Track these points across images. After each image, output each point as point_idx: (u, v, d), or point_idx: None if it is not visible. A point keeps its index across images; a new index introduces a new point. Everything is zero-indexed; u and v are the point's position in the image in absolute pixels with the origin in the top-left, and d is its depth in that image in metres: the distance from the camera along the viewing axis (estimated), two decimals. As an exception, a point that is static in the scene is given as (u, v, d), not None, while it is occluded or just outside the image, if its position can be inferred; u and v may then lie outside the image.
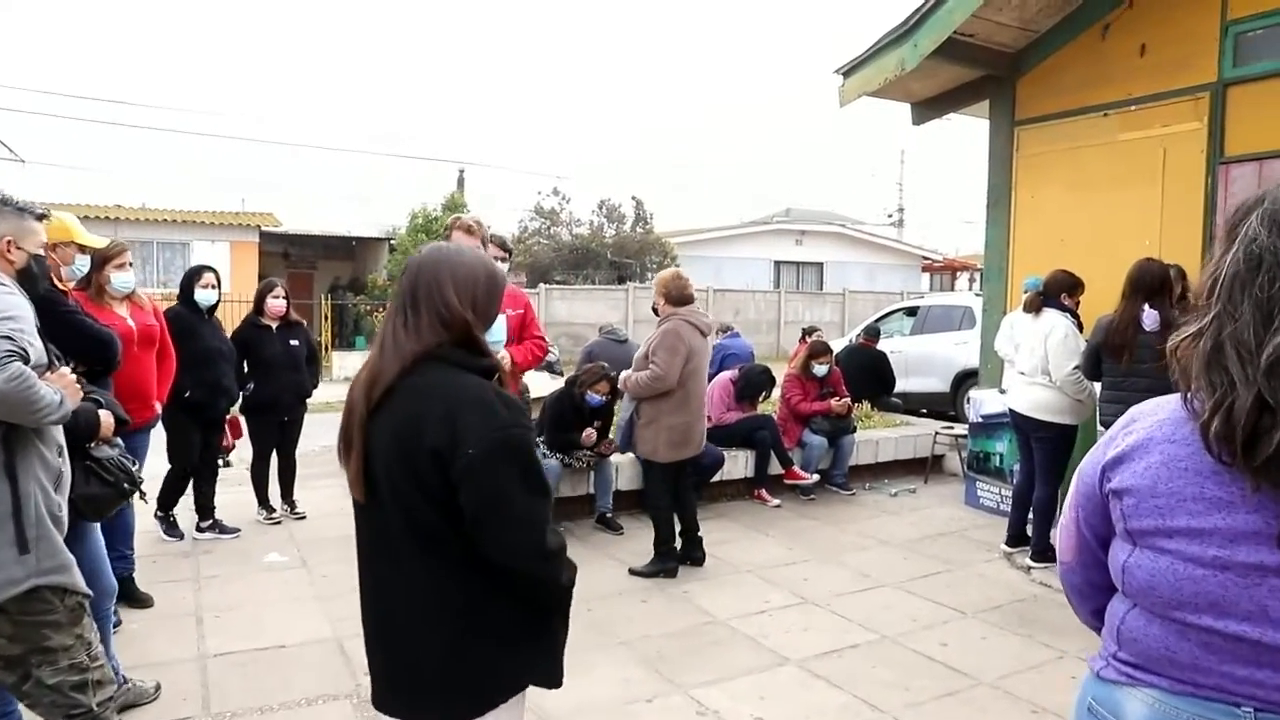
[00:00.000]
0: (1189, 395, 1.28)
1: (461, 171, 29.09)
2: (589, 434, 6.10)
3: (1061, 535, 1.54)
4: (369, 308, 21.87)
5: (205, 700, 3.65)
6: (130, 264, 4.40)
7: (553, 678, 1.98)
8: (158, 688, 3.69)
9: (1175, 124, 6.41)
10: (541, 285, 22.74)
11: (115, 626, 4.31)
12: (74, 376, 2.62)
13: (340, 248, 25.61)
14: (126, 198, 23.37)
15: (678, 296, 5.18)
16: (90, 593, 2.71)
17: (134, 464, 3.41)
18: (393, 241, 23.54)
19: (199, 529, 5.91)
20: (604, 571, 5.37)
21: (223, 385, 5.52)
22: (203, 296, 5.53)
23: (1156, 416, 1.35)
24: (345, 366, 18.58)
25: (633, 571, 5.27)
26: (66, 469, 2.72)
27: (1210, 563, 1.23)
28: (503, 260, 4.77)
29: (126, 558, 4.71)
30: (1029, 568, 5.34)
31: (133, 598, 4.68)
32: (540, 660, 1.96)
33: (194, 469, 5.70)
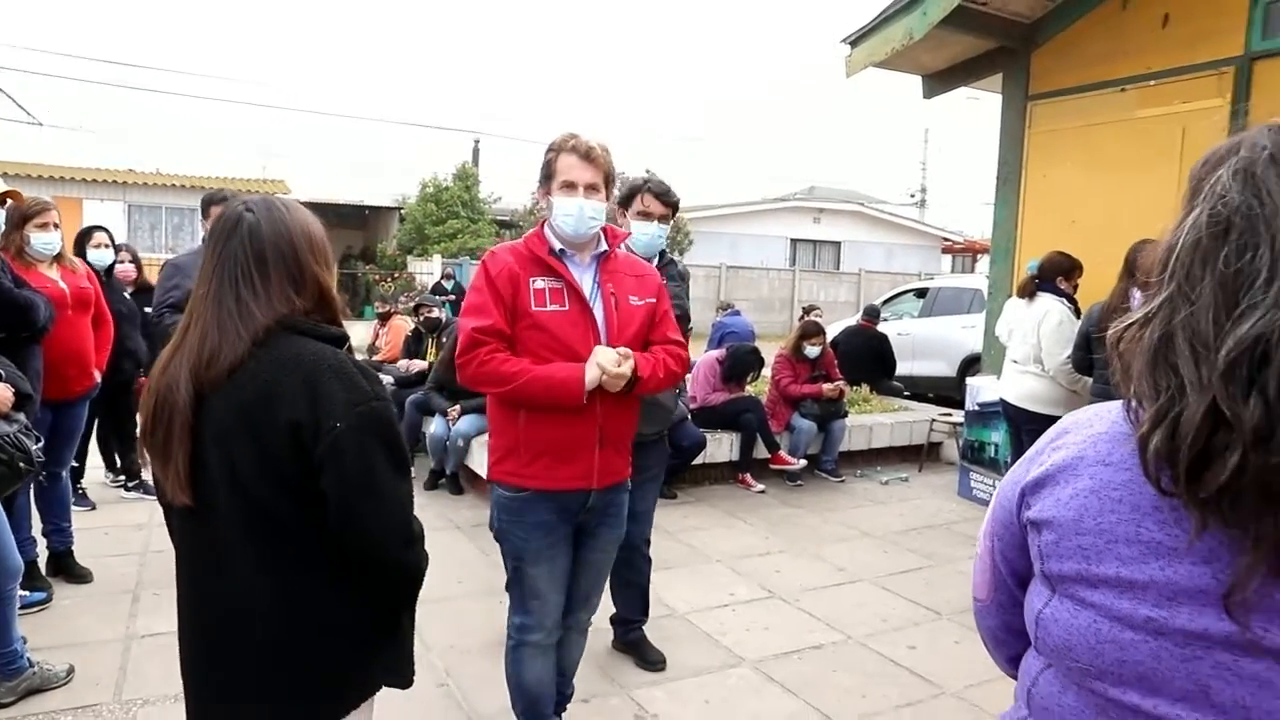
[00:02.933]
0: (1130, 401, 0.99)
1: (477, 141, 28.79)
2: None
3: (976, 568, 1.25)
4: (378, 276, 21.76)
5: (119, 685, 3.44)
6: (56, 224, 4.12)
7: (405, 676, 1.82)
8: (70, 671, 3.48)
9: (1197, 100, 6.04)
10: (551, 258, 22.45)
11: (44, 603, 4.14)
12: None
13: (353, 216, 25.42)
14: (142, 163, 23.24)
15: None
16: None
17: (36, 440, 3.18)
18: (402, 211, 23.32)
19: (126, 488, 5.99)
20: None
21: (125, 347, 5.27)
22: (96, 257, 5.34)
23: (1092, 430, 1.05)
24: (354, 334, 18.47)
25: None
26: None
27: (1142, 625, 0.93)
28: (664, 218, 3.56)
29: (64, 531, 4.53)
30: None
31: (70, 573, 4.50)
32: (392, 659, 1.79)
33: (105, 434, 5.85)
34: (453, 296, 15.29)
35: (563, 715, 3.04)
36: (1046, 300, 4.90)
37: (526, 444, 2.55)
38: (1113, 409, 1.05)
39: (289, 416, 1.56)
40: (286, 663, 1.67)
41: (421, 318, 8.14)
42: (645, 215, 3.49)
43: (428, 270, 20.68)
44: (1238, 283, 0.89)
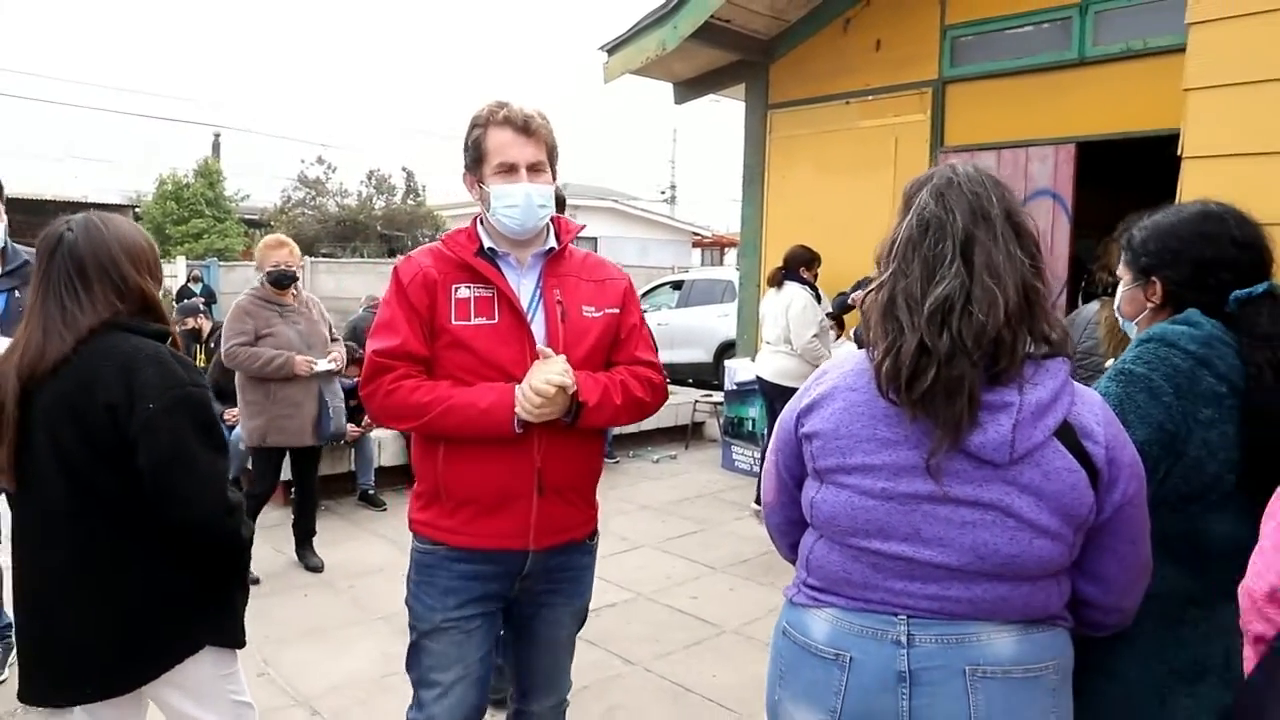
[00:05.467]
0: (870, 345, 1.44)
1: (217, 135, 27.14)
2: (352, 431, 5.85)
3: (764, 479, 1.68)
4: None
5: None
6: None
7: (234, 638, 2.03)
8: None
9: (905, 115, 7.02)
10: (307, 258, 21.58)
11: None
12: None
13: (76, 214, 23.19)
14: None
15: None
16: None
17: None
18: (138, 209, 21.63)
19: None
20: (368, 547, 5.26)
21: None
22: None
23: (843, 368, 1.51)
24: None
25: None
26: None
27: (879, 494, 1.39)
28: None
29: None
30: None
31: None
32: (220, 621, 2.00)
33: None
34: (202, 300, 14.45)
35: None
36: (792, 288, 5.62)
37: (447, 489, 2.03)
38: (857, 355, 1.51)
39: (106, 399, 1.80)
40: (110, 631, 1.87)
41: (179, 330, 7.81)
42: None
43: (170, 274, 19.29)
44: (934, 263, 1.37)
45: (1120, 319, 1.85)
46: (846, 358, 1.54)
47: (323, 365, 4.72)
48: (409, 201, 25.77)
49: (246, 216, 23.20)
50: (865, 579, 1.43)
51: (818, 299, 5.68)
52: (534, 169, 2.04)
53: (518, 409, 1.91)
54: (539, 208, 2.04)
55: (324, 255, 23.04)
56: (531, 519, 2.02)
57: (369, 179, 25.80)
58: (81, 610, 1.86)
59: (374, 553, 5.15)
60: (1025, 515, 1.33)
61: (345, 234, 24.49)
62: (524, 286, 2.08)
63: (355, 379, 5.74)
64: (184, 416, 1.84)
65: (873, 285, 1.47)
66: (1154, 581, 1.48)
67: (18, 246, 3.37)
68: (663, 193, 39.96)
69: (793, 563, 1.66)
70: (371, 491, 6.18)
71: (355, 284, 21.03)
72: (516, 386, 1.94)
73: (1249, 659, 1.29)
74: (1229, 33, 1.82)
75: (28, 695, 1.90)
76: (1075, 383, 1.40)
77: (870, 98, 7.22)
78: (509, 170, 2.02)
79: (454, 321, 2.00)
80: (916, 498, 1.37)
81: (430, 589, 2.07)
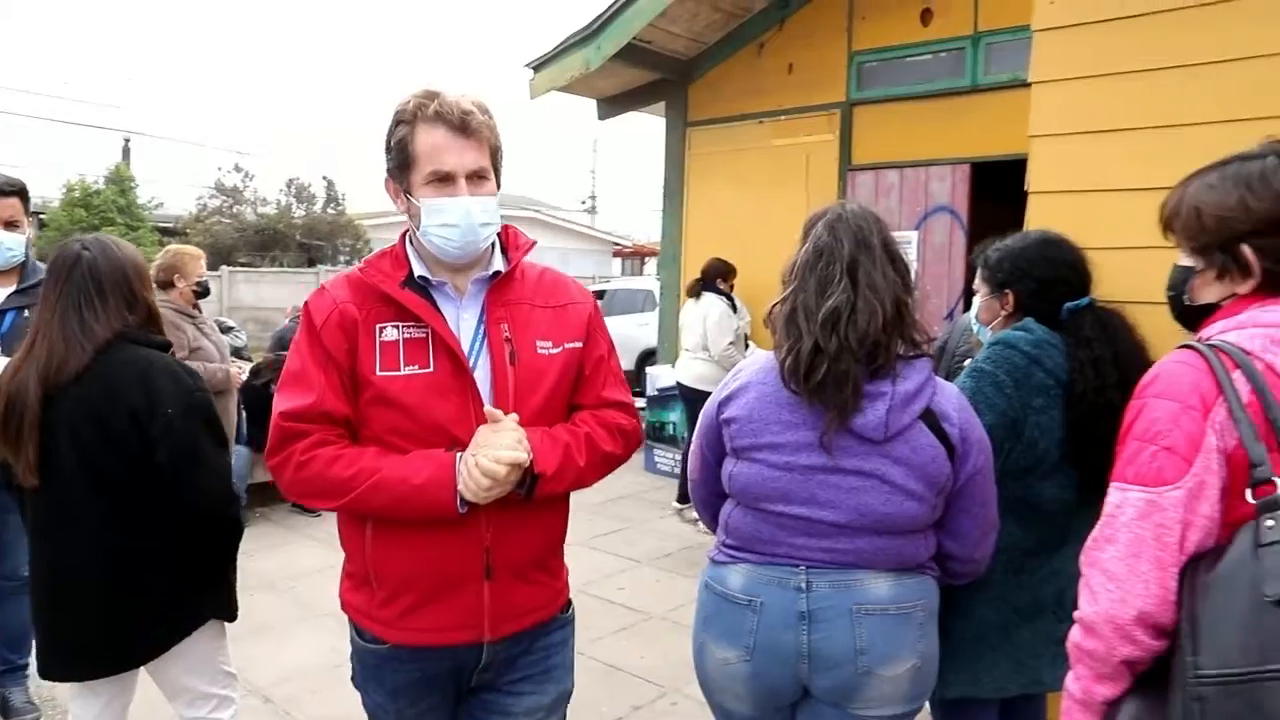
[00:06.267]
0: (775, 346, 1.76)
1: (127, 140, 26.48)
2: None
3: (690, 460, 2.00)
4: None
5: None
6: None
7: (230, 611, 2.32)
8: None
9: (815, 134, 7.45)
10: (224, 267, 21.24)
11: None
12: None
13: (-31, 219, 22.30)
14: None
15: None
16: None
17: None
18: (43, 216, 21.02)
19: None
20: (304, 550, 5.42)
21: None
22: None
23: (756, 365, 1.83)
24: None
25: None
26: None
27: (783, 467, 1.72)
28: None
29: None
30: (695, 520, 6.07)
31: None
32: (220, 596, 2.28)
33: None
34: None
35: None
36: (709, 298, 5.99)
37: (377, 574, 1.70)
38: (767, 355, 1.83)
39: (129, 405, 2.03)
40: (131, 607, 2.10)
41: None
42: None
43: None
44: (825, 281, 1.71)
45: (975, 325, 2.23)
46: (758, 358, 1.87)
47: (245, 375, 4.94)
48: (329, 210, 25.55)
49: (161, 225, 22.71)
50: (772, 536, 1.75)
51: (734, 309, 6.05)
52: (475, 177, 1.66)
53: (460, 488, 1.57)
54: (482, 226, 1.67)
55: (242, 265, 22.70)
56: (484, 605, 1.69)
57: (288, 187, 25.50)
58: (102, 594, 2.06)
59: (310, 555, 5.31)
60: (897, 482, 1.67)
61: (264, 243, 24.16)
62: (464, 322, 1.72)
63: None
64: (195, 419, 2.09)
65: (777, 300, 1.80)
66: (1000, 537, 1.85)
67: (38, 264, 3.18)
68: (583, 202, 40.30)
69: (714, 532, 1.98)
70: (304, 497, 6.32)
71: (274, 294, 20.83)
72: (459, 458, 1.59)
73: (1091, 690, 1.32)
74: (1063, 92, 2.21)
75: (47, 672, 2.11)
76: (937, 377, 1.75)
77: (783, 118, 7.64)
78: (444, 180, 1.65)
79: (379, 371, 1.64)
80: (813, 469, 1.69)
81: (376, 687, 1.79)
